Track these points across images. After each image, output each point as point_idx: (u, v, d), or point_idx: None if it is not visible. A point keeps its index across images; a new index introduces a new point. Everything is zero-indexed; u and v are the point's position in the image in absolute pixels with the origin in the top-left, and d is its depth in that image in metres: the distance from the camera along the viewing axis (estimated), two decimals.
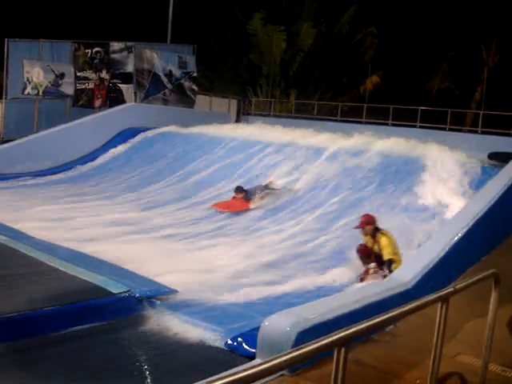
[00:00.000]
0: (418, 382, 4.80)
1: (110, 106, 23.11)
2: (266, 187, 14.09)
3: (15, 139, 19.53)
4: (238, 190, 13.90)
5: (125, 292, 7.10)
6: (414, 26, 29.12)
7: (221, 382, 2.30)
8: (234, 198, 13.91)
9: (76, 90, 23.33)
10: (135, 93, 24.25)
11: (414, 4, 29.41)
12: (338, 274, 8.96)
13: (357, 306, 5.60)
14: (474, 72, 30.14)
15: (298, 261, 9.97)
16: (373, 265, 8.73)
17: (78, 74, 23.44)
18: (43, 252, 8.72)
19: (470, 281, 4.46)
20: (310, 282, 8.66)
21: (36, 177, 17.41)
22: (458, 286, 4.23)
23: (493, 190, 9.17)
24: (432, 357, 4.16)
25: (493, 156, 14.07)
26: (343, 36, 31.69)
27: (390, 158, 13.85)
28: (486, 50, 30.02)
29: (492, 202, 8.72)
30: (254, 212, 13.14)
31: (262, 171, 15.56)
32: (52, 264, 8.16)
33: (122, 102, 23.58)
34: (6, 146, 19.07)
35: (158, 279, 7.90)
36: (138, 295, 7.10)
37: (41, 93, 22.51)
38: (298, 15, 31.11)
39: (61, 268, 7.99)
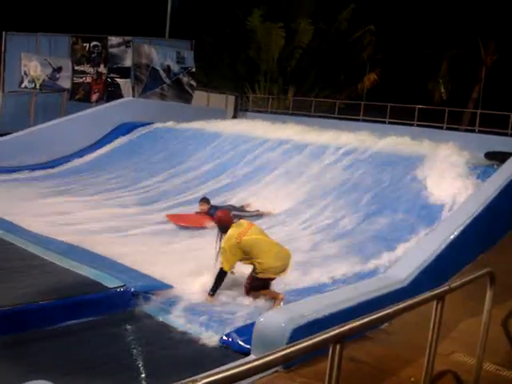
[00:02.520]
0: (412, 379, 4.80)
1: (108, 101, 23.05)
2: (239, 209, 12.42)
3: (12, 132, 19.48)
4: (204, 201, 12.22)
5: (120, 286, 7.07)
6: (413, 25, 29.16)
7: (215, 377, 2.30)
8: (196, 212, 12.26)
9: (73, 84, 23.27)
10: (133, 87, 24.21)
11: (413, 2, 29.43)
12: None
13: (352, 303, 5.61)
14: (472, 71, 30.16)
15: None
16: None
17: (76, 67, 23.39)
18: (38, 245, 8.69)
19: (466, 279, 4.46)
20: None
21: (32, 170, 17.37)
22: (453, 285, 4.23)
23: (489, 190, 9.19)
24: (426, 355, 4.16)
25: (489, 155, 14.07)
26: (341, 33, 31.72)
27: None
28: (484, 50, 30.05)
29: (488, 201, 8.74)
30: None
31: (253, 170, 15.50)
32: (47, 258, 8.14)
33: (120, 96, 23.51)
34: (2, 139, 18.99)
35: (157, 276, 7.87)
36: (133, 290, 7.08)
37: (38, 86, 22.45)
38: (297, 12, 31.12)
39: (56, 262, 7.97)
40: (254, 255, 7.21)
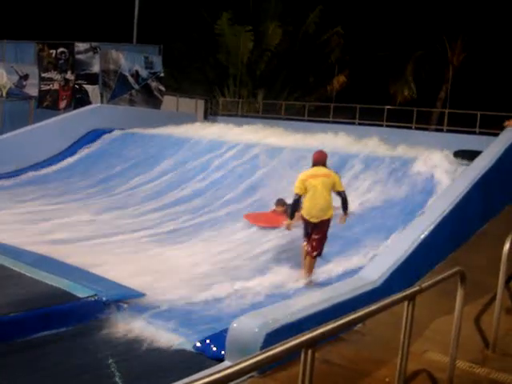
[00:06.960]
0: (386, 380, 4.81)
1: (76, 108, 22.83)
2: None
3: None
4: (280, 202, 11.86)
5: (91, 296, 7.00)
6: (380, 26, 29.37)
7: None
8: (273, 211, 12.03)
9: (40, 92, 22.99)
10: (101, 94, 24.01)
11: (380, 4, 29.66)
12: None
13: (325, 305, 5.60)
14: (439, 71, 30.49)
15: None
16: None
17: (43, 74, 23.11)
18: (7, 257, 8.55)
19: (436, 279, 4.48)
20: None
21: (0, 179, 17.12)
22: (423, 285, 4.25)
23: (459, 188, 9.25)
24: (399, 355, 4.18)
25: (458, 154, 14.24)
26: (310, 36, 31.84)
27: None
28: (450, 49, 30.40)
29: (458, 200, 8.80)
30: None
31: (231, 173, 15.52)
32: (16, 269, 8.01)
33: (88, 103, 23.29)
34: None
35: (126, 282, 7.80)
36: (104, 299, 7.01)
37: (4, 94, 22.15)
38: (265, 15, 31.16)
39: (26, 273, 7.84)
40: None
